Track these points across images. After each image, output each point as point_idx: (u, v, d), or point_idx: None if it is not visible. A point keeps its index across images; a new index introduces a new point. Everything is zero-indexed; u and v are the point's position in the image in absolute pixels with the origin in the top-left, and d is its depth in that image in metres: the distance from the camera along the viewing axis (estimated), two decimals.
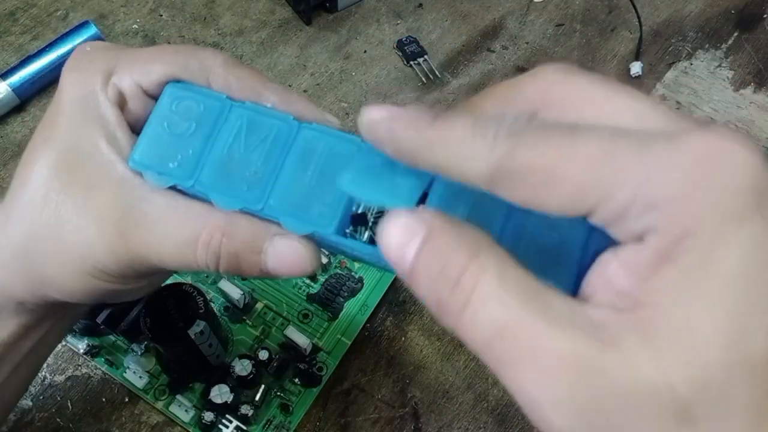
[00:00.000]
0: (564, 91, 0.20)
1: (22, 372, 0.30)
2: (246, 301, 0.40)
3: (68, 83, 0.26)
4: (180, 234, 0.24)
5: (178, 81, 0.25)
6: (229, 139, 0.24)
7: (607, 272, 0.18)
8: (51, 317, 0.29)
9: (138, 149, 0.25)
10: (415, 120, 0.19)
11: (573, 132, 0.17)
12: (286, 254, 0.24)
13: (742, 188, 0.16)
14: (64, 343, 0.40)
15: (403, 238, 0.19)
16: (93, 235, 0.25)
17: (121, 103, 0.25)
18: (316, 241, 0.24)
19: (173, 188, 0.25)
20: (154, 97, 0.26)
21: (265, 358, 0.38)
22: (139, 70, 0.25)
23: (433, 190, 0.21)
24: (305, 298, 0.42)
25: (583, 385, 0.16)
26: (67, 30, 0.50)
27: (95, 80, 0.25)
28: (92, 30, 0.50)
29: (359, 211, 0.24)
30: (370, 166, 0.22)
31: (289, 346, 0.39)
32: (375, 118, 0.20)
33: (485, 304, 0.17)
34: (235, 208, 0.24)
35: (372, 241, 0.23)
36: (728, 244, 0.16)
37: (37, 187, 0.26)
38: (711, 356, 0.16)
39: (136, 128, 0.26)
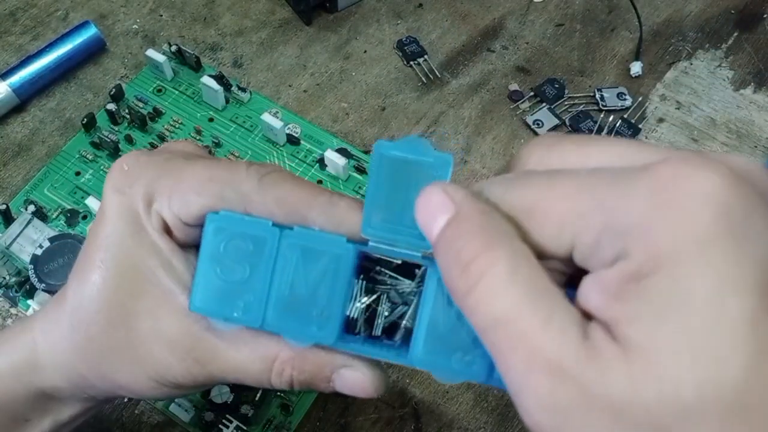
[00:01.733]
0: (552, 157, 0.20)
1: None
2: None
3: (113, 204, 0.26)
4: (253, 364, 0.25)
5: (216, 213, 0.25)
6: (288, 276, 0.24)
7: (583, 292, 0.18)
8: (109, 402, 0.31)
9: (196, 295, 0.24)
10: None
11: (552, 175, 0.19)
12: (352, 383, 0.25)
13: (704, 211, 0.16)
14: None
15: (434, 210, 0.20)
16: (168, 358, 0.26)
17: (167, 229, 0.26)
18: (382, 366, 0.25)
19: None
20: (196, 225, 0.26)
21: None
22: (177, 203, 0.25)
23: None
24: None
25: (562, 390, 0.17)
26: (67, 30, 0.50)
27: (138, 206, 0.25)
28: (92, 30, 0.50)
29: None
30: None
31: None
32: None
33: (488, 294, 0.18)
34: (309, 344, 0.24)
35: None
36: (693, 268, 0.16)
37: (101, 310, 0.26)
38: (683, 375, 0.16)
39: (185, 248, 0.26)
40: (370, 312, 0.24)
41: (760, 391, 0.16)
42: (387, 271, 0.24)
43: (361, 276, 0.24)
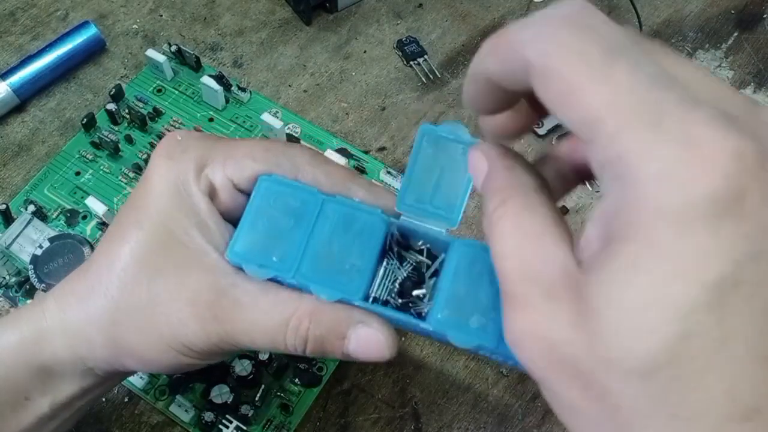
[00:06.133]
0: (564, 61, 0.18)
1: (66, 425, 0.31)
2: None
3: (160, 169, 0.27)
4: (271, 319, 0.26)
5: (269, 175, 0.27)
6: (326, 234, 0.26)
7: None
8: (110, 380, 0.30)
9: (237, 242, 0.26)
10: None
11: (613, 55, 0.17)
12: (367, 341, 0.26)
13: (702, 195, 0.15)
14: None
15: (475, 167, 0.23)
16: (187, 315, 0.26)
17: (212, 194, 0.27)
18: (395, 327, 0.26)
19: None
20: (243, 191, 0.27)
21: (265, 358, 0.38)
22: (232, 166, 0.27)
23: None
24: None
25: (538, 332, 0.19)
26: (67, 30, 0.50)
27: (188, 170, 0.27)
28: (92, 30, 0.50)
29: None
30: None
31: None
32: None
33: (499, 238, 0.20)
34: (335, 298, 0.26)
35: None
36: (665, 250, 0.16)
37: (128, 267, 0.27)
38: (651, 337, 0.16)
39: (226, 218, 0.27)
40: (395, 281, 0.26)
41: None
42: (414, 251, 0.27)
43: (390, 249, 0.26)
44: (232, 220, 0.28)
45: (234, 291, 0.26)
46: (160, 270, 0.26)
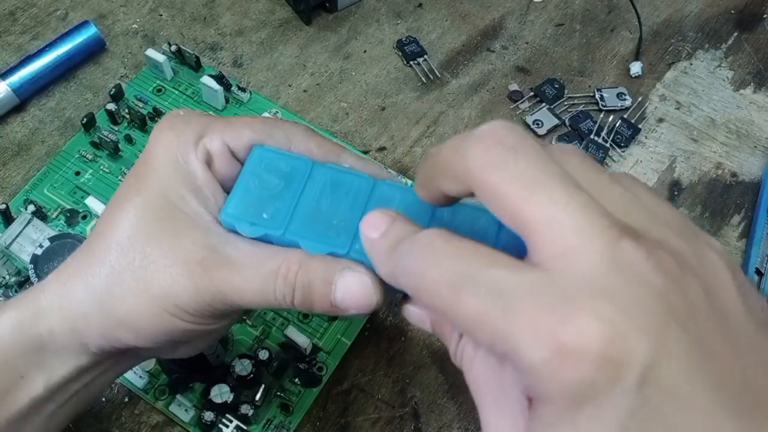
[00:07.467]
0: (488, 186, 0.21)
1: (63, 413, 0.30)
2: None
3: (161, 141, 0.29)
4: (262, 267, 0.27)
5: (262, 145, 0.29)
6: (315, 194, 0.28)
7: None
8: (105, 362, 0.30)
9: (231, 203, 0.28)
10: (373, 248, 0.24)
11: (457, 286, 0.20)
12: (354, 285, 0.26)
13: (569, 372, 0.18)
14: None
15: (417, 319, 0.26)
16: (178, 272, 0.27)
17: (208, 162, 0.28)
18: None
19: (258, 238, 0.27)
20: (239, 160, 0.29)
21: (265, 358, 0.38)
22: (229, 134, 0.29)
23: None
24: None
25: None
26: (67, 30, 0.50)
27: (188, 139, 0.28)
28: (92, 30, 0.50)
29: None
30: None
31: (290, 346, 0.39)
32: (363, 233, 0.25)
33: (466, 367, 0.23)
34: (324, 252, 0.27)
35: None
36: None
37: (124, 231, 0.28)
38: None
39: (221, 185, 0.29)
40: None
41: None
42: None
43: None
44: (227, 188, 0.29)
45: (225, 248, 0.27)
46: (155, 232, 0.27)
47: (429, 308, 0.24)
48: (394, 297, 0.28)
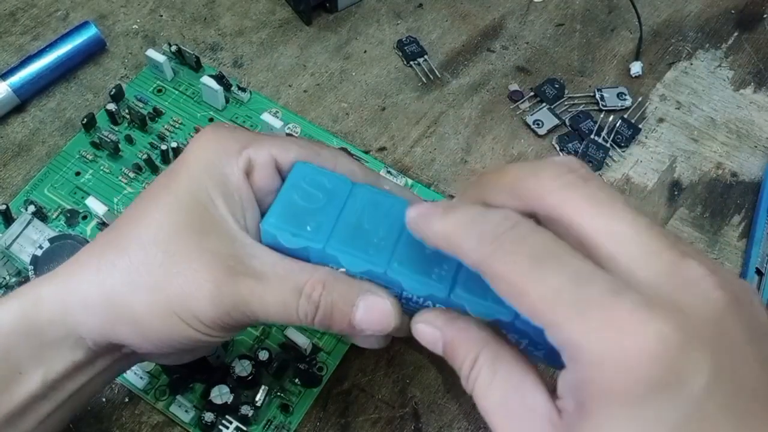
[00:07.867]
0: (561, 201, 0.23)
1: (59, 416, 0.30)
2: None
3: (201, 144, 0.29)
4: (287, 284, 0.27)
5: (305, 162, 0.29)
6: (356, 212, 0.28)
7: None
8: (100, 361, 0.30)
9: (273, 213, 0.28)
10: (428, 215, 0.24)
11: (540, 262, 0.21)
12: (374, 308, 0.27)
13: (636, 380, 0.19)
14: None
15: (429, 338, 0.26)
16: (202, 275, 0.26)
17: (248, 173, 0.28)
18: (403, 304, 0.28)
19: (295, 250, 0.28)
20: (281, 175, 0.29)
21: (265, 359, 0.38)
22: (278, 147, 0.29)
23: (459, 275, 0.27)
24: None
25: None
26: (67, 30, 0.50)
27: (230, 146, 0.28)
28: (92, 30, 0.50)
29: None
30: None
31: (290, 346, 0.39)
32: (410, 216, 0.25)
33: (479, 395, 0.25)
34: (362, 268, 0.27)
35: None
36: (620, 425, 0.19)
37: (149, 227, 0.27)
38: None
39: (256, 197, 0.29)
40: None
41: None
42: None
43: None
44: (262, 202, 0.29)
45: (251, 261, 0.27)
46: (181, 232, 0.27)
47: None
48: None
